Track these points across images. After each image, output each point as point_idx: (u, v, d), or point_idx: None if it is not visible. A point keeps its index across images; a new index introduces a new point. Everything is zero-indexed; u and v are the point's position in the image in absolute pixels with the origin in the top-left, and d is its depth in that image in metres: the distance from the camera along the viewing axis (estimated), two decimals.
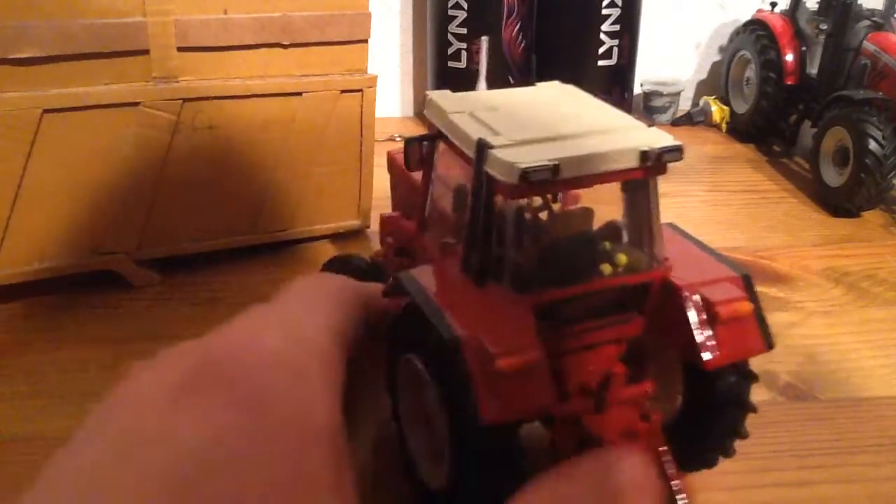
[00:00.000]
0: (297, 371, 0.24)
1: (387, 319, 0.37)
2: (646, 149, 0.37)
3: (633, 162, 0.38)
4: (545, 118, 0.41)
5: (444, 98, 0.45)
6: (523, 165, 0.36)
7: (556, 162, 0.36)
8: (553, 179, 0.37)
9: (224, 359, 0.23)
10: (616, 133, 0.39)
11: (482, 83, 0.52)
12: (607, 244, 0.42)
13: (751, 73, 1.04)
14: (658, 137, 0.39)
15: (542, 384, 0.36)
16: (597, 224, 0.44)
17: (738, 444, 0.52)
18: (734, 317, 0.40)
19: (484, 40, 0.51)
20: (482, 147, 0.38)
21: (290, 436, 0.21)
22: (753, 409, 0.44)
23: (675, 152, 0.38)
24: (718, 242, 0.79)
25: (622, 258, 0.41)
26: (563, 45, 1.02)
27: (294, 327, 0.26)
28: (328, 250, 0.75)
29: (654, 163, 0.38)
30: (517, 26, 0.98)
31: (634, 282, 0.41)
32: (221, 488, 0.19)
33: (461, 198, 0.43)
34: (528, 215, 0.43)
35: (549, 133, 0.39)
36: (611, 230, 0.43)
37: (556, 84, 0.46)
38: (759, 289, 0.70)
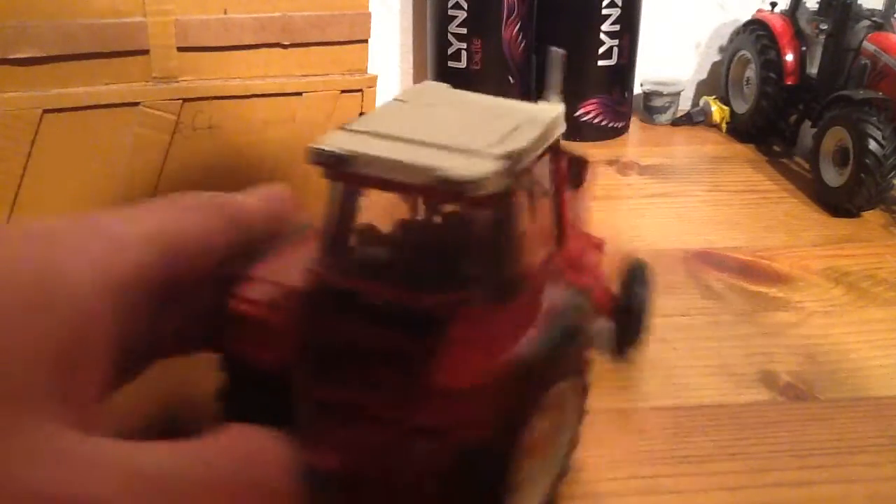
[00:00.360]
0: (73, 248, 0.22)
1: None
2: (443, 175, 0.37)
3: (420, 180, 0.38)
4: (440, 123, 0.42)
5: (421, 88, 0.47)
6: (318, 147, 0.38)
7: (346, 153, 0.38)
8: (337, 170, 0.38)
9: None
10: (463, 153, 0.39)
11: (554, 96, 0.51)
12: (456, 263, 0.41)
13: (751, 73, 1.04)
14: (481, 169, 0.38)
15: (268, 342, 0.39)
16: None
17: (739, 444, 0.52)
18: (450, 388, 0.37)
19: (557, 52, 0.49)
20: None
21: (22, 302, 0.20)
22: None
23: (453, 189, 0.36)
24: (718, 242, 0.79)
25: (437, 280, 0.41)
26: (563, 45, 1.01)
27: (97, 220, 0.24)
28: None
29: (442, 190, 0.37)
30: (517, 26, 0.98)
31: (408, 302, 0.40)
32: None
33: None
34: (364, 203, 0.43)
35: (412, 135, 0.40)
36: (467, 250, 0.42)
37: (546, 106, 0.45)
38: (758, 288, 0.71)
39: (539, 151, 0.41)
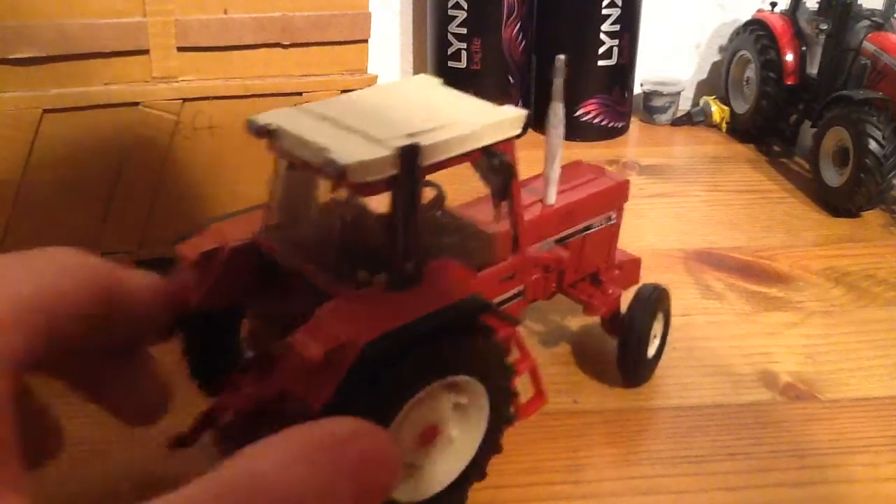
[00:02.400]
0: None
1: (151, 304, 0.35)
2: (328, 156, 0.38)
3: (314, 159, 0.39)
4: (381, 113, 0.44)
5: (413, 80, 0.50)
6: (253, 118, 0.43)
7: (267, 126, 0.42)
8: (269, 142, 0.42)
9: None
10: (368, 141, 0.40)
11: (559, 106, 0.53)
12: (362, 251, 0.43)
13: (751, 73, 1.04)
14: (365, 155, 0.39)
15: (194, 285, 0.44)
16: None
17: (739, 444, 0.52)
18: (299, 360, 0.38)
19: (560, 60, 0.52)
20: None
21: None
22: None
23: (334, 171, 0.38)
24: (718, 242, 0.79)
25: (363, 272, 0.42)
26: (563, 45, 1.01)
27: None
28: None
29: (327, 171, 0.38)
30: (517, 26, 0.98)
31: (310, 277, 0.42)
32: None
33: None
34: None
35: (345, 120, 0.42)
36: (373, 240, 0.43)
37: (507, 109, 0.45)
38: (758, 288, 0.71)
39: (456, 152, 0.42)
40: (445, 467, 0.45)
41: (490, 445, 0.46)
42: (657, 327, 0.57)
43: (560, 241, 0.54)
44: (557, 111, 0.53)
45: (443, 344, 0.40)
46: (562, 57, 0.51)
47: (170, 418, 0.29)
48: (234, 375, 0.41)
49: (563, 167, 0.59)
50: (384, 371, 0.38)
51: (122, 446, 0.49)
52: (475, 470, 0.46)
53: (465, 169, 0.44)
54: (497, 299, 0.48)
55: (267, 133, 0.42)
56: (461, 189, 0.50)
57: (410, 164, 0.39)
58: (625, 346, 0.56)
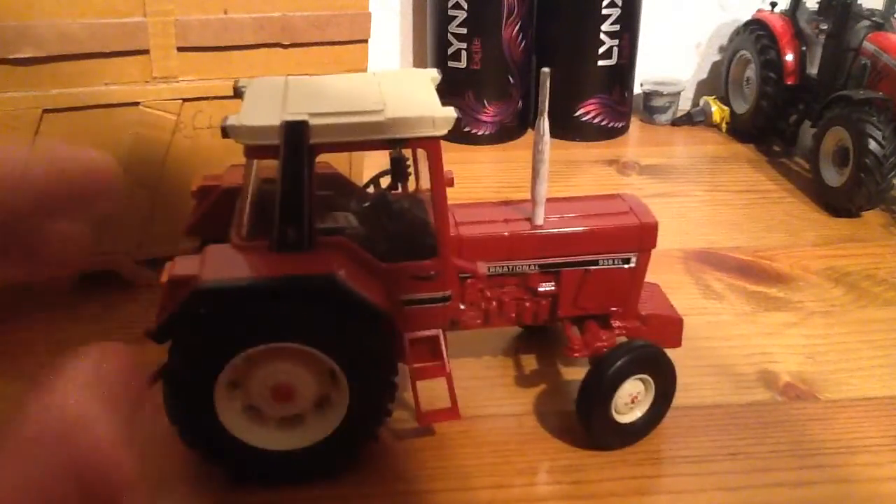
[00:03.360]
0: None
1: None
2: (226, 118, 0.43)
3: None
4: (329, 93, 0.48)
5: (404, 71, 0.58)
6: (240, 80, 0.49)
7: (243, 89, 0.48)
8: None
9: None
10: (276, 113, 0.44)
11: (544, 121, 0.51)
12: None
13: (751, 73, 1.04)
14: (252, 122, 0.43)
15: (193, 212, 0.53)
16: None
17: (739, 444, 0.52)
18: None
19: (545, 73, 0.50)
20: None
21: None
22: None
23: (221, 129, 0.43)
24: (718, 242, 0.79)
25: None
26: (563, 45, 1.02)
27: None
28: None
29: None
30: (517, 26, 0.98)
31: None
32: None
33: None
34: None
35: (298, 92, 0.47)
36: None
37: (443, 110, 0.46)
38: (758, 288, 0.71)
39: (357, 137, 0.45)
40: (303, 433, 0.47)
41: (353, 435, 0.47)
42: (637, 389, 0.51)
43: (547, 268, 0.53)
44: (542, 127, 0.50)
45: (283, 308, 0.43)
46: (546, 70, 0.49)
47: None
48: None
49: (601, 196, 0.57)
50: (211, 313, 0.43)
51: None
52: (337, 448, 0.48)
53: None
54: (411, 297, 0.49)
55: (239, 94, 0.48)
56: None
57: (292, 137, 0.43)
58: (581, 391, 0.51)
